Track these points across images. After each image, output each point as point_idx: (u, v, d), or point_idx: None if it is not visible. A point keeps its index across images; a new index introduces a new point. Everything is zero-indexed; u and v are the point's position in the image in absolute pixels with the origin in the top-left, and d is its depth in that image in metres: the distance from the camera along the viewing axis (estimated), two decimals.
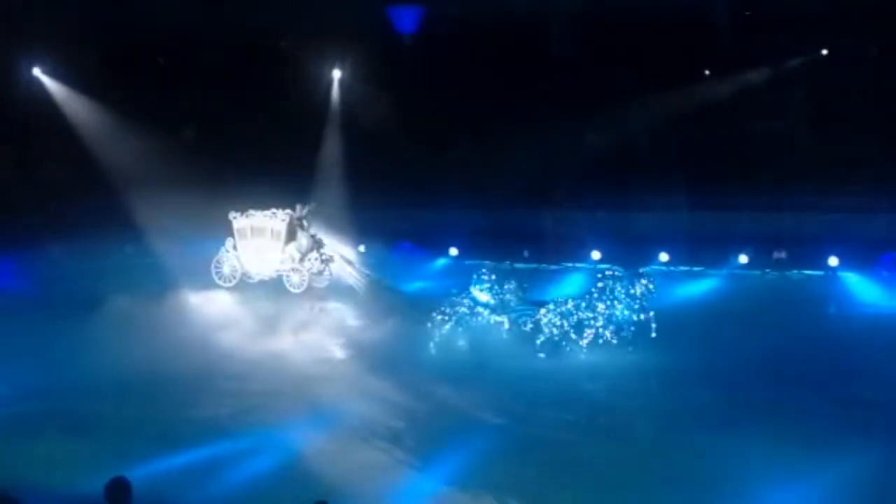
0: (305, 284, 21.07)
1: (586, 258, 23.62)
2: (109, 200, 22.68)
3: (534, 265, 23.68)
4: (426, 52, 26.98)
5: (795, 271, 22.82)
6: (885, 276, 21.73)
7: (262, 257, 21.42)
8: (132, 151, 23.03)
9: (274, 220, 21.47)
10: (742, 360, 16.50)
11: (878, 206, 23.10)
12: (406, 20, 27.02)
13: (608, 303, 17.23)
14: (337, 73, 27.40)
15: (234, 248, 21.60)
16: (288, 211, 21.55)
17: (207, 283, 21.31)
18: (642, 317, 17.20)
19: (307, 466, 12.07)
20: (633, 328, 17.29)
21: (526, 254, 24.43)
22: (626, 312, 17.20)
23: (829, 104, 24.95)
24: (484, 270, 18.48)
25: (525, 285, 18.45)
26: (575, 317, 17.26)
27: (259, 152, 25.19)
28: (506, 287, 18.00)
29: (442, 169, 26.23)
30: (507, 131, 26.13)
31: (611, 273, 17.97)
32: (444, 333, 17.78)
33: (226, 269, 21.57)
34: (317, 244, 21.45)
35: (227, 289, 21.39)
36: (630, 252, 23.17)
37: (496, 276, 18.37)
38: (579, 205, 26.01)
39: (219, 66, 26.97)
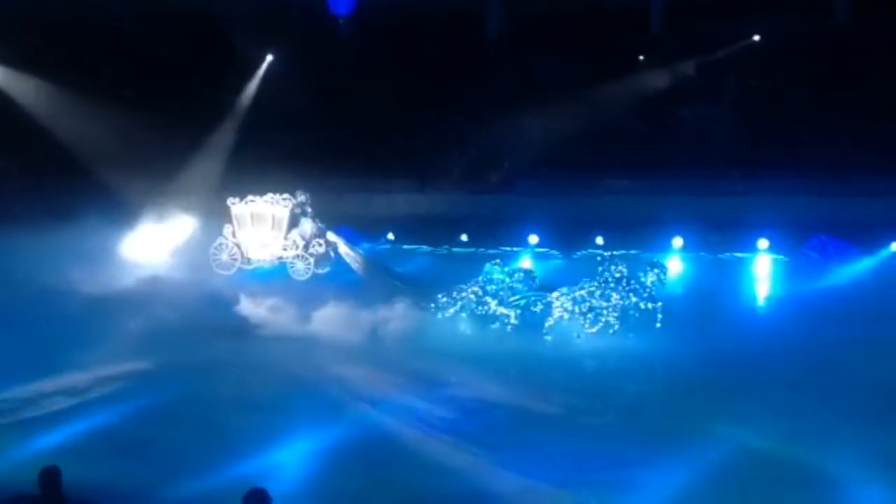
0: (311, 271, 20.64)
1: (524, 242, 23.78)
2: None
3: (472, 249, 23.73)
4: (362, 36, 26.83)
5: (728, 254, 23.29)
6: (812, 258, 22.32)
7: (264, 244, 20.87)
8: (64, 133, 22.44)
9: (276, 206, 20.87)
10: (703, 343, 16.65)
11: (806, 189, 23.72)
12: (341, 3, 26.77)
13: (620, 291, 17.25)
14: (269, 57, 27.16)
15: (234, 234, 21.00)
16: (288, 196, 20.98)
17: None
18: (649, 305, 17.31)
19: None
20: (637, 315, 17.33)
21: (464, 238, 24.50)
22: (634, 300, 17.27)
23: (760, 90, 25.49)
24: (497, 260, 18.49)
25: (534, 272, 18.43)
26: (587, 303, 17.25)
27: (186, 138, 24.84)
28: (516, 273, 18.01)
29: (378, 153, 26.14)
30: (445, 116, 26.19)
31: (621, 260, 17.86)
32: (452, 318, 17.78)
33: (224, 257, 20.95)
34: (320, 230, 20.99)
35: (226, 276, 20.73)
36: (566, 236, 23.48)
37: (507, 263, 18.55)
38: (516, 189, 26.24)
39: (148, 47, 26.47)
